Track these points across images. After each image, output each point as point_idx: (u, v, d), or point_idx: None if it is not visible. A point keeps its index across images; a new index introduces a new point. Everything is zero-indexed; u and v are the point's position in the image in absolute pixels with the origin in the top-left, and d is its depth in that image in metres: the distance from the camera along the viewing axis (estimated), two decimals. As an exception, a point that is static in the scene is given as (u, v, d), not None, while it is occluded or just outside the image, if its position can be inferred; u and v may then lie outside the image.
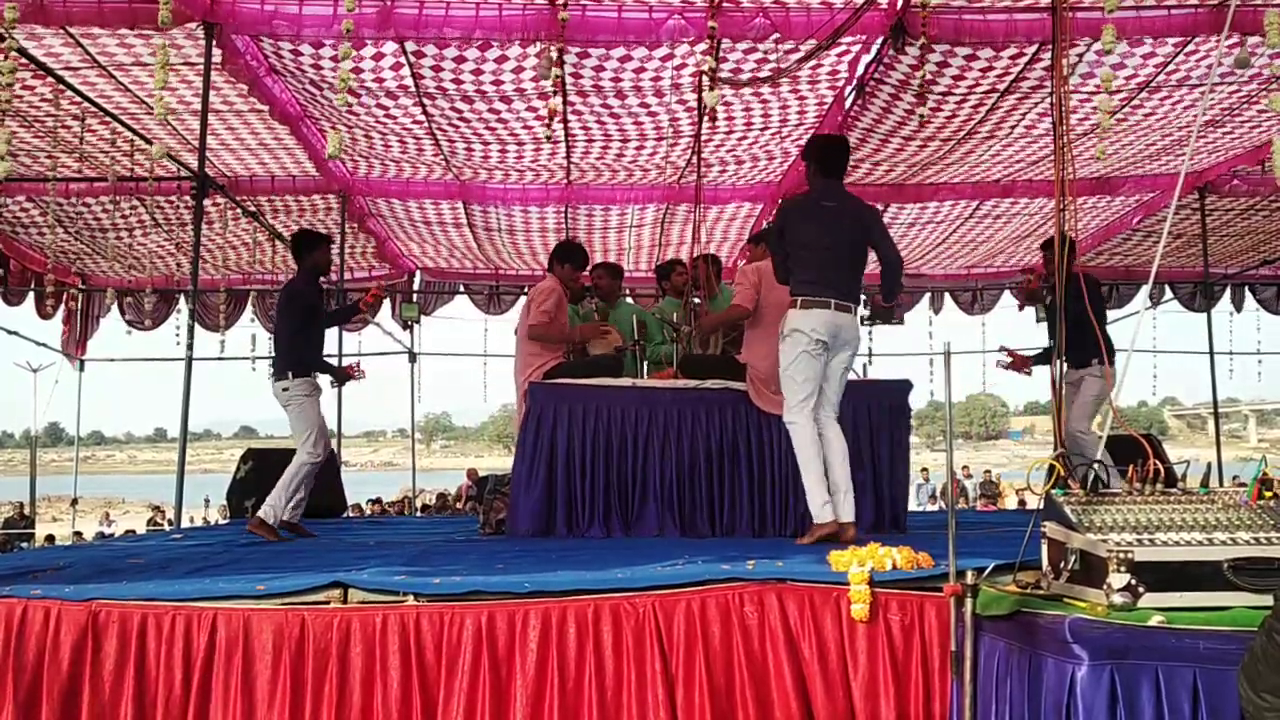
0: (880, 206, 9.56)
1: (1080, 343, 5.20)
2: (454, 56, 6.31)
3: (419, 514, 13.81)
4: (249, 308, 11.42)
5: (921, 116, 6.76)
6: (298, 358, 5.50)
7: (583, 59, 6.38)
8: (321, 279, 5.89)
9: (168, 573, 3.55)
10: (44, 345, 11.42)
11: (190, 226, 7.41)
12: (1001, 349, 6.54)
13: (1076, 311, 4.44)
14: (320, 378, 5.69)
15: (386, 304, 12.01)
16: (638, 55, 6.33)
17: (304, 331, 5.56)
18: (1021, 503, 16.56)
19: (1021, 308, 7.05)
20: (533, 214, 9.75)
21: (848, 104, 7.27)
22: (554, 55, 5.77)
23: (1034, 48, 6.22)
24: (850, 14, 5.79)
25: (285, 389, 5.45)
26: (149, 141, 7.04)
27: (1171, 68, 6.48)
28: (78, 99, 6.66)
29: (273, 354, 5.73)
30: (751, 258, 5.55)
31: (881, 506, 5.17)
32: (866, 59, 6.58)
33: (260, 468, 7.26)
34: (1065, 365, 5.71)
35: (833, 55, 6.43)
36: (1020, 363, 6.31)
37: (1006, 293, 12.26)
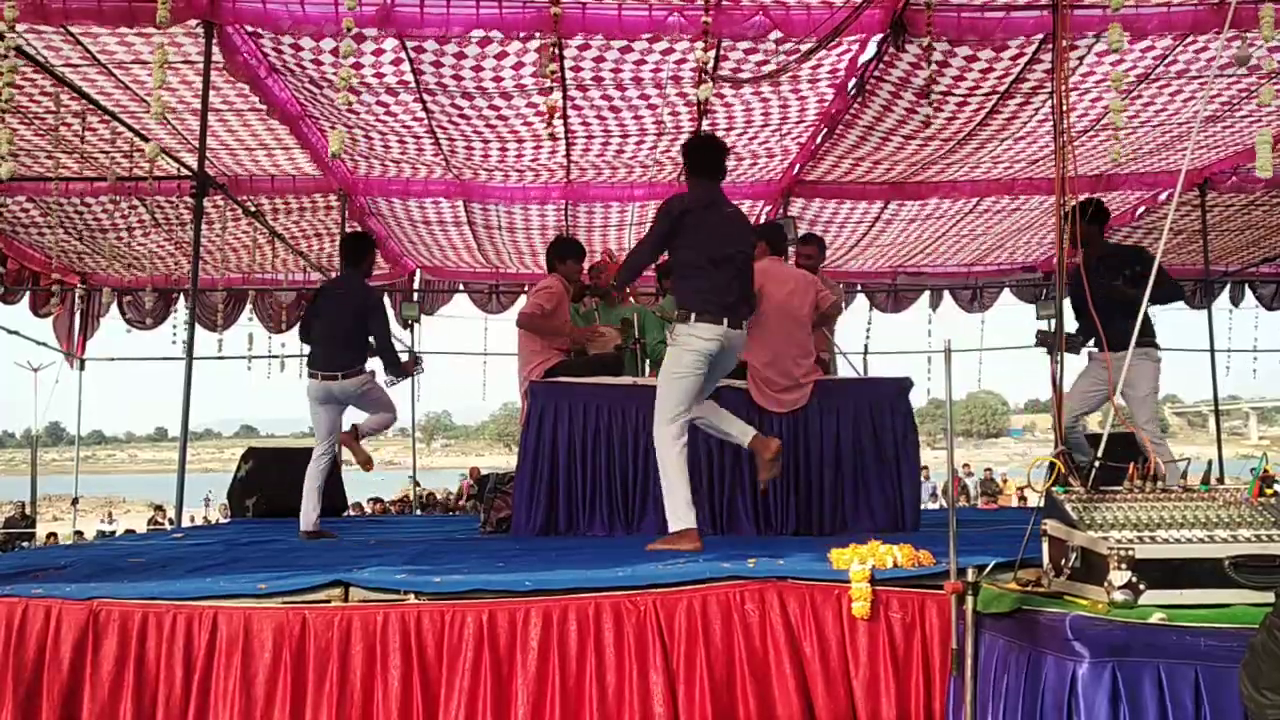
0: (880, 204, 9.56)
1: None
2: (454, 52, 6.30)
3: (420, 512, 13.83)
4: (247, 307, 11.41)
5: (925, 116, 6.72)
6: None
7: (581, 54, 6.38)
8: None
9: (168, 572, 3.55)
10: (44, 345, 11.41)
11: (190, 226, 7.40)
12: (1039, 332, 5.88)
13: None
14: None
15: (387, 302, 12.00)
16: (637, 50, 6.32)
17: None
18: (1022, 500, 16.56)
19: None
20: (533, 212, 9.74)
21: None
22: (554, 50, 5.76)
23: (1035, 46, 6.21)
24: (850, 11, 5.78)
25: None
26: (148, 140, 7.03)
27: (1171, 59, 6.46)
28: (78, 98, 6.65)
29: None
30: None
31: (890, 505, 5.16)
32: (866, 57, 6.57)
33: (261, 467, 7.27)
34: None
35: (833, 54, 6.42)
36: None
37: (1007, 290, 12.22)
